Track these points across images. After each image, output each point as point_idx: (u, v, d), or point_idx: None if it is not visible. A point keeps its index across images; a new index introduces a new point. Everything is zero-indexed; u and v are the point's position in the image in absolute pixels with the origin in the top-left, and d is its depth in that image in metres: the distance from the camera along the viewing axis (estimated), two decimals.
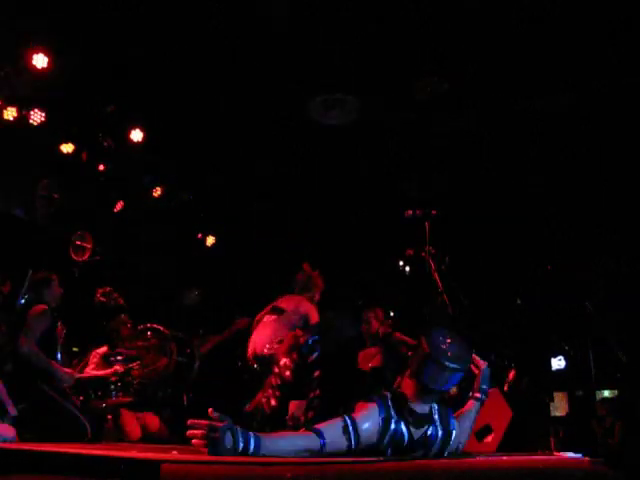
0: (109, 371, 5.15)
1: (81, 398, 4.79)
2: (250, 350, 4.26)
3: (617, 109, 6.41)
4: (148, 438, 4.91)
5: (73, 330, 5.02)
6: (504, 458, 2.44)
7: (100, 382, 5.02)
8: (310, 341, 3.37)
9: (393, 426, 2.37)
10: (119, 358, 5.23)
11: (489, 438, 2.72)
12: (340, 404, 2.56)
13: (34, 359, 4.14)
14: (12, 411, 3.58)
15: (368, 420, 2.34)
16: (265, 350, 4.19)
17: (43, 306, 4.36)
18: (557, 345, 8.38)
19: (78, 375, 4.71)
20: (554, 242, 7.93)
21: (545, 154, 7.10)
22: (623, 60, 5.85)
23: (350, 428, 2.28)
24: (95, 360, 5.38)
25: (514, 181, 7.50)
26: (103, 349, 5.45)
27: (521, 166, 7.29)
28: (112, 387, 5.02)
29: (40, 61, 5.68)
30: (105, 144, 6.75)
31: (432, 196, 7.22)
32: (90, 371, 5.26)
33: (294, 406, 3.07)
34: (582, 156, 6.98)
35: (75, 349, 5.38)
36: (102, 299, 5.48)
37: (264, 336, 4.19)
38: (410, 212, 4.45)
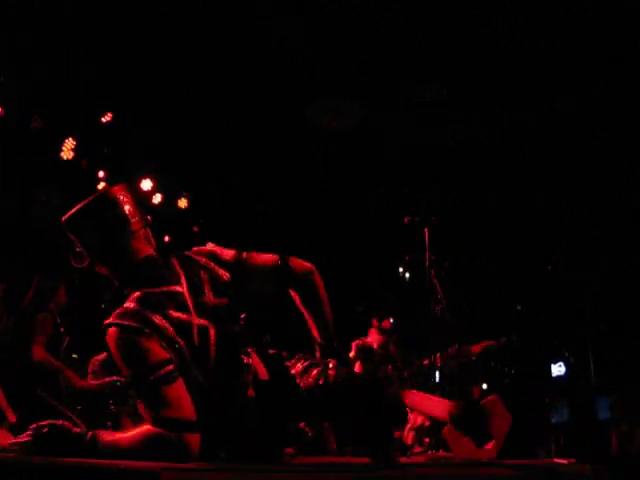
0: (107, 380, 5.11)
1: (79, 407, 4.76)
2: None
3: (615, 113, 6.44)
4: None
5: (73, 337, 5.00)
6: (504, 464, 2.44)
7: (100, 392, 4.98)
8: None
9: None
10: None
11: (489, 445, 2.71)
12: None
13: (47, 366, 4.16)
14: (11, 418, 3.57)
15: None
16: None
17: (47, 313, 4.37)
18: (557, 351, 8.38)
19: (86, 387, 4.68)
20: (554, 247, 7.94)
21: (544, 159, 7.12)
22: (624, 62, 5.88)
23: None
24: (94, 368, 5.35)
25: (514, 186, 7.52)
26: (102, 356, 5.42)
27: (520, 171, 7.31)
28: (111, 399, 4.99)
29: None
30: (105, 150, 6.78)
31: (432, 202, 7.23)
32: (90, 381, 5.23)
33: None
34: (581, 161, 7.01)
35: (75, 356, 5.36)
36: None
37: None
38: (410, 218, 4.45)
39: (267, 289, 2.32)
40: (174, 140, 6.89)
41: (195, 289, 2.07)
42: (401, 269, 7.62)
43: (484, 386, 6.44)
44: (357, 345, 5.54)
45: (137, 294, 1.99)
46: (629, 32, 5.55)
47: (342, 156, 7.26)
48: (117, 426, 4.91)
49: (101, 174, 6.92)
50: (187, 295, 2.03)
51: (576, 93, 6.28)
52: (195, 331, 1.98)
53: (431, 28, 5.75)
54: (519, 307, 8.41)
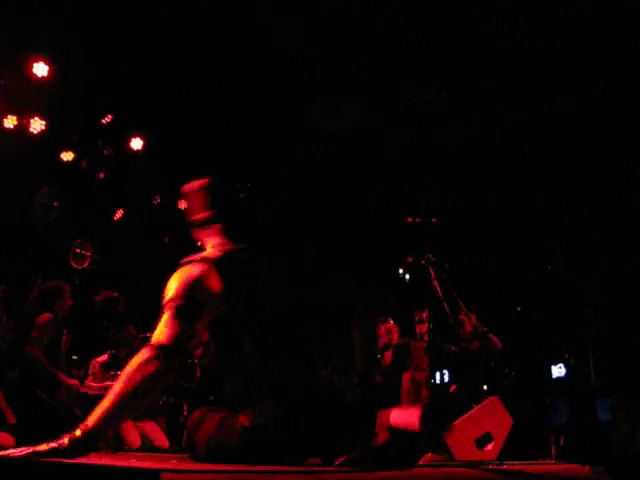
0: (108, 383, 5.11)
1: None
2: None
3: (615, 113, 6.43)
4: (148, 447, 4.89)
5: (73, 338, 5.00)
6: (504, 466, 2.44)
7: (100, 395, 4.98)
8: None
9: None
10: (119, 373, 5.19)
11: (489, 446, 2.71)
12: None
13: (38, 367, 4.14)
14: (11, 419, 3.57)
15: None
16: None
17: (49, 315, 4.36)
18: (557, 352, 8.37)
19: (82, 390, 4.68)
20: (554, 247, 7.93)
21: (544, 159, 7.11)
22: (624, 62, 5.87)
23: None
24: (94, 370, 5.35)
25: (514, 186, 7.51)
26: (103, 358, 5.41)
27: (520, 171, 7.30)
28: None
29: (40, 70, 5.70)
30: (105, 152, 6.77)
31: (432, 202, 7.22)
32: (89, 383, 5.23)
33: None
34: (580, 161, 7.00)
35: (75, 357, 5.36)
36: (106, 304, 5.44)
37: None
38: (410, 220, 4.45)
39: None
40: (174, 141, 6.88)
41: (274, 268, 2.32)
42: (401, 270, 7.62)
43: (484, 387, 6.42)
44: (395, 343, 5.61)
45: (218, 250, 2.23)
46: (629, 32, 5.55)
47: (342, 156, 7.25)
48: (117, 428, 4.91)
49: (101, 175, 6.93)
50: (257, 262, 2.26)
51: (576, 93, 6.28)
52: (254, 291, 2.17)
53: (431, 28, 5.74)
54: (519, 308, 8.40)
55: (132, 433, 4.97)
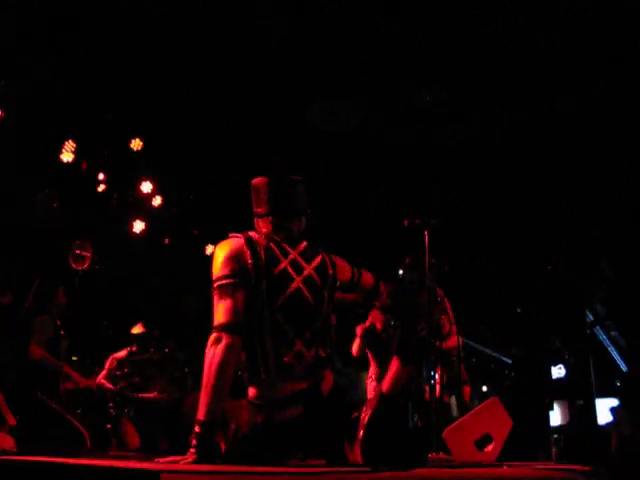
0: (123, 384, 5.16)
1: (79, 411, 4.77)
2: None
3: (615, 113, 6.43)
4: (147, 448, 4.90)
5: (73, 339, 5.01)
6: (504, 467, 2.44)
7: (101, 395, 5.01)
8: None
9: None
10: (123, 372, 5.22)
11: (489, 447, 2.71)
12: None
13: (47, 363, 4.18)
14: (11, 421, 3.56)
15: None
16: None
17: (46, 316, 4.38)
18: (557, 354, 8.37)
19: (86, 382, 4.71)
20: (554, 247, 7.93)
21: (544, 159, 7.11)
22: (624, 62, 5.88)
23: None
24: (112, 366, 5.39)
25: (514, 187, 7.51)
26: (121, 354, 5.45)
27: (521, 171, 7.30)
28: (111, 403, 5.02)
29: (41, 71, 5.71)
30: (105, 153, 6.78)
31: (432, 203, 7.22)
32: (101, 379, 5.28)
33: None
34: (580, 161, 7.00)
35: (74, 358, 5.37)
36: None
37: None
38: (409, 220, 4.44)
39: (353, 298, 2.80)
40: (174, 142, 6.88)
41: (303, 255, 2.54)
42: (401, 271, 7.61)
43: (484, 388, 6.43)
44: (363, 329, 5.55)
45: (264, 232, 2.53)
46: (629, 32, 5.55)
47: (342, 156, 7.25)
48: (117, 429, 4.92)
49: (101, 176, 6.92)
50: (288, 247, 2.51)
51: (576, 93, 6.28)
52: (279, 269, 2.42)
53: (431, 28, 5.74)
54: (519, 310, 8.40)
55: (132, 434, 4.98)
